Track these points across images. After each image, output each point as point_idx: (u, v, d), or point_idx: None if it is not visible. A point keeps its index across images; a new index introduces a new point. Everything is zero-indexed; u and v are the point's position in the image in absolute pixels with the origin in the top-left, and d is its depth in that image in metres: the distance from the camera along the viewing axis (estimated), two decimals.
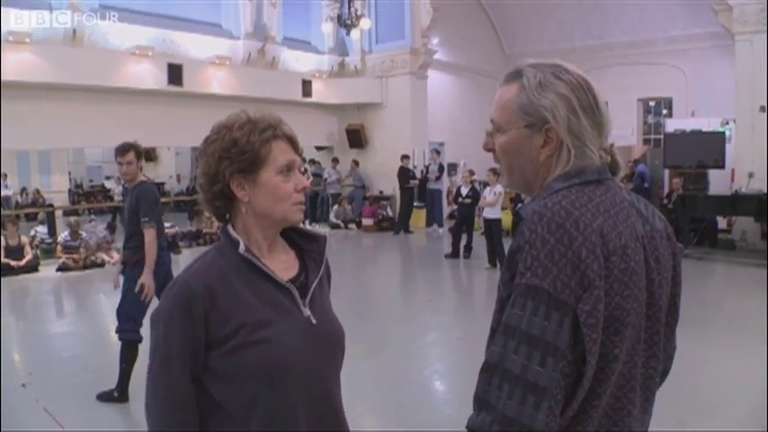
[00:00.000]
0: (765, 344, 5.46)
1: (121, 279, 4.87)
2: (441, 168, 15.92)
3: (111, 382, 4.77)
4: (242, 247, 1.48)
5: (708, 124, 13.30)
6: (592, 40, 18.26)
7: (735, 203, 10.83)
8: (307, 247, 1.64)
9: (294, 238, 1.65)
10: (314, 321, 1.53)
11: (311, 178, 16.40)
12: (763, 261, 10.20)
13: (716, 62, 15.42)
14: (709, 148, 12.43)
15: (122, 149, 4.70)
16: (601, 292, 1.14)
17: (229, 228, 1.53)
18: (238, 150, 1.47)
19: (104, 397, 4.76)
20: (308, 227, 1.69)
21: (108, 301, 8.11)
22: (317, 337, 1.53)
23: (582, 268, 1.13)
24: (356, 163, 16.98)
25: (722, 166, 12.21)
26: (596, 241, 1.16)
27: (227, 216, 1.56)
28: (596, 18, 18.08)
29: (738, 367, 5.42)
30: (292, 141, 1.55)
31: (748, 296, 8.06)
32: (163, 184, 19.78)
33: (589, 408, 1.20)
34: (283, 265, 1.57)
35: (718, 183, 12.40)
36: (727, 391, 4.94)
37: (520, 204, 10.54)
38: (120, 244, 6.48)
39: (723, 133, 12.63)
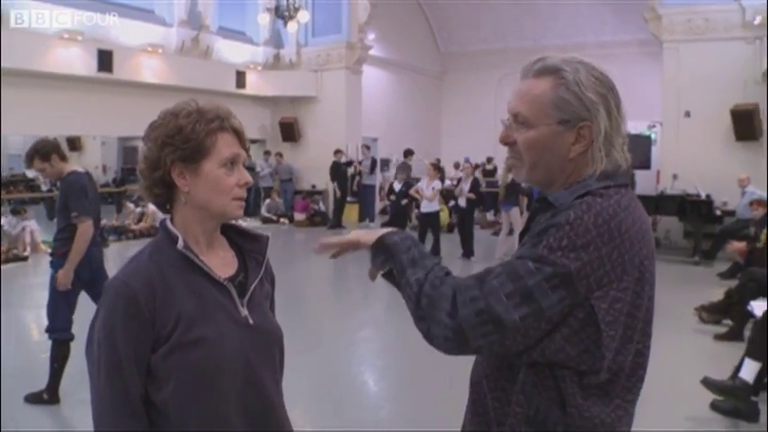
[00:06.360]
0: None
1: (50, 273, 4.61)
2: (373, 163, 15.91)
3: (37, 384, 4.51)
4: (180, 243, 1.43)
5: (635, 127, 13.73)
6: (525, 41, 18.57)
7: (659, 203, 11.21)
8: (247, 247, 1.59)
9: (235, 237, 1.60)
10: (251, 321, 1.49)
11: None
12: (685, 258, 10.66)
13: (644, 68, 15.91)
14: (636, 149, 12.70)
15: (28, 159, 4.44)
16: (619, 293, 1.20)
17: (168, 222, 1.48)
18: (182, 138, 1.42)
19: (33, 399, 4.49)
20: (248, 226, 1.63)
21: (31, 298, 7.74)
22: (254, 337, 1.49)
23: (606, 268, 1.18)
24: (280, 155, 16.69)
25: (648, 168, 12.62)
26: (632, 246, 1.21)
27: (168, 206, 1.50)
28: (530, 20, 18.43)
29: (667, 360, 5.56)
30: (239, 135, 1.51)
31: (673, 291, 8.28)
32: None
33: (625, 403, 1.29)
34: (222, 261, 1.53)
35: (643, 183, 12.82)
36: (658, 382, 5.05)
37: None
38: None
39: (649, 136, 13.07)
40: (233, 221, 1.57)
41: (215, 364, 1.40)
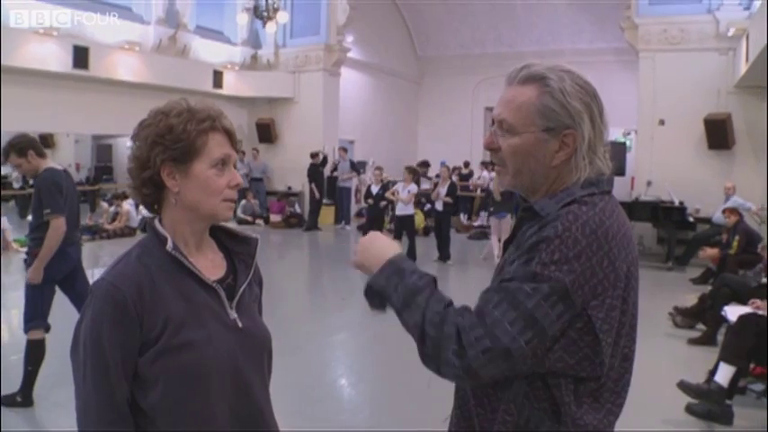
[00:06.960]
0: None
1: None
2: (352, 165, 15.88)
3: (10, 386, 4.40)
4: (170, 245, 1.40)
5: (610, 134, 13.85)
6: (503, 47, 18.71)
7: (633, 209, 11.31)
8: (236, 249, 1.57)
9: (224, 239, 1.58)
10: (240, 325, 1.47)
11: None
12: (659, 263, 10.82)
13: (619, 76, 16.06)
14: (611, 156, 12.92)
15: (3, 154, 4.35)
16: (614, 301, 1.22)
17: (157, 223, 1.45)
18: (173, 138, 1.40)
19: (6, 401, 4.36)
20: (237, 228, 1.61)
21: (2, 298, 7.56)
22: (243, 340, 1.47)
23: (599, 277, 1.20)
24: (257, 150, 16.57)
25: (623, 174, 12.77)
26: (620, 252, 1.23)
27: (156, 206, 1.47)
28: (508, 27, 18.56)
29: (641, 363, 5.60)
30: (230, 135, 1.49)
31: (647, 296, 8.33)
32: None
33: (615, 407, 1.31)
34: (211, 263, 1.50)
35: (618, 190, 12.90)
36: (633, 385, 5.09)
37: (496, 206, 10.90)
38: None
39: (624, 143, 13.22)
40: (222, 223, 1.54)
41: (203, 367, 1.38)
